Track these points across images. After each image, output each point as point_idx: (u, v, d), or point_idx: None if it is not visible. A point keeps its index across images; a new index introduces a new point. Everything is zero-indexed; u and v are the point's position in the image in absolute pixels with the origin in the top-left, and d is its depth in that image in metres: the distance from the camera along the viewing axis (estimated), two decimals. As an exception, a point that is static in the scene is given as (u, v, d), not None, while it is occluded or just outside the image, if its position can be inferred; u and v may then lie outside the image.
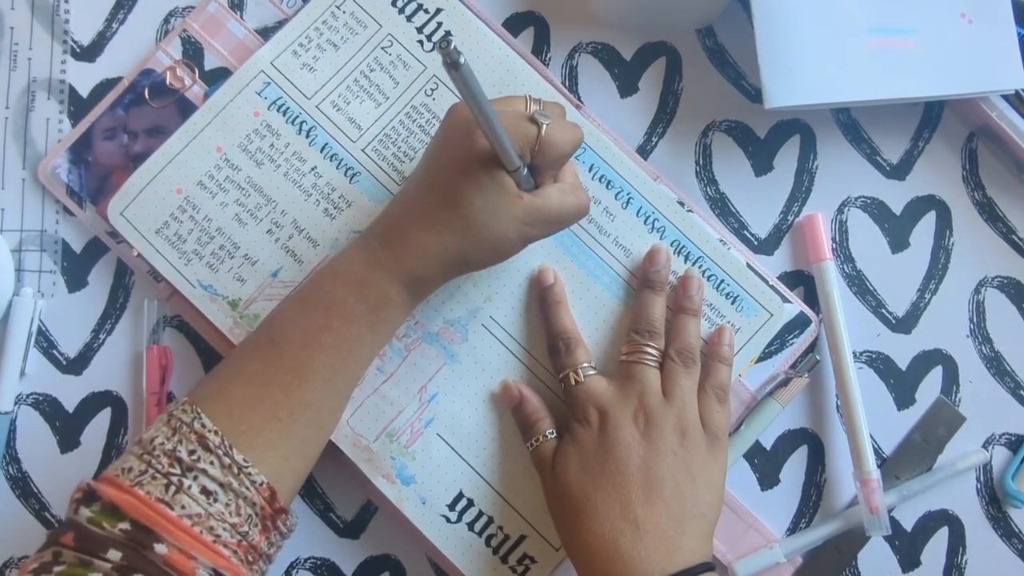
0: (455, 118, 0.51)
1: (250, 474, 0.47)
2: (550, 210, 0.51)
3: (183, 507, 0.45)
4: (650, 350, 0.56)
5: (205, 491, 0.46)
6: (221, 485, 0.46)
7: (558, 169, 0.54)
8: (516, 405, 0.58)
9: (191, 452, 0.47)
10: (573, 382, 0.56)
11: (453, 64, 0.38)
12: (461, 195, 0.49)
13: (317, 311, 0.51)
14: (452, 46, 0.37)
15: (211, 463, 0.47)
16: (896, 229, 0.63)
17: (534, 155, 0.49)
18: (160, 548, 0.44)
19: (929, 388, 0.62)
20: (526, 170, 0.50)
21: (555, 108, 0.54)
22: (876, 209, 0.63)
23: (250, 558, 0.48)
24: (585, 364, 0.56)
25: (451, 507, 0.58)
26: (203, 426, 0.47)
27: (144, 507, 0.45)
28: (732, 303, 0.59)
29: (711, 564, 0.51)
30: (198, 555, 0.44)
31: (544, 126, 0.49)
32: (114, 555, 0.43)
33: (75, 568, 0.43)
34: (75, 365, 0.63)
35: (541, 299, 0.59)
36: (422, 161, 0.53)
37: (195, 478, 0.46)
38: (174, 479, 0.46)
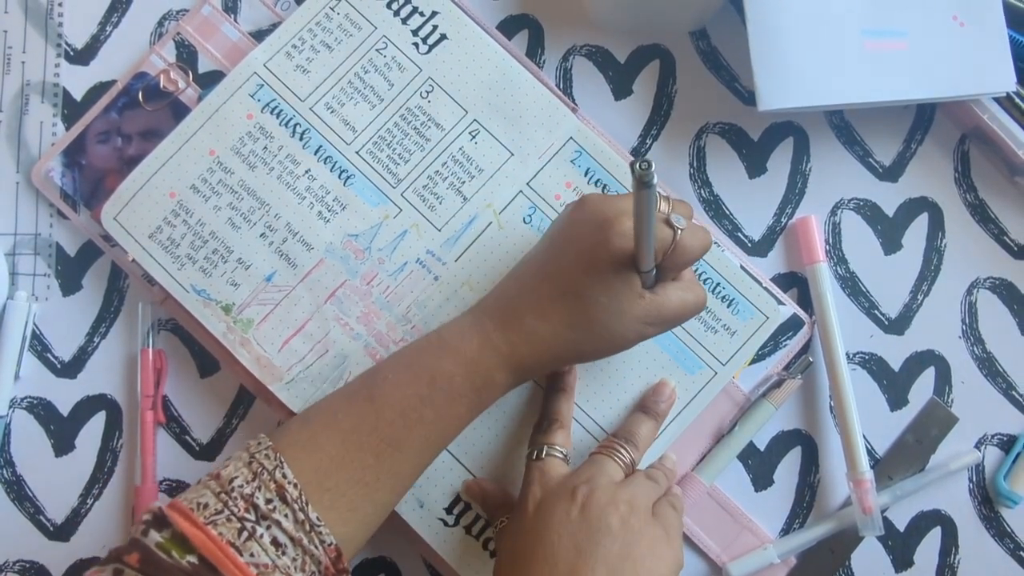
0: (588, 209, 0.50)
1: (320, 533, 0.46)
2: (670, 310, 0.50)
3: (252, 555, 0.44)
4: (622, 450, 0.54)
5: (276, 542, 0.45)
6: (292, 539, 0.45)
7: (681, 271, 0.52)
8: (481, 500, 0.58)
9: (268, 501, 0.45)
10: (534, 456, 0.54)
11: (646, 185, 0.38)
12: (585, 291, 0.49)
13: (421, 380, 0.50)
14: (650, 168, 0.37)
15: (286, 515, 0.45)
16: (889, 231, 0.64)
17: (665, 258, 0.49)
18: None
19: (922, 389, 0.63)
20: (655, 272, 0.50)
21: (685, 208, 0.52)
22: (869, 211, 0.64)
23: None
24: (557, 447, 0.54)
25: (448, 510, 0.58)
26: (284, 476, 0.46)
27: (214, 547, 0.43)
28: (728, 306, 0.60)
29: None
30: None
31: (679, 232, 0.48)
32: None
33: None
34: (69, 369, 0.63)
35: (551, 381, 0.58)
36: (544, 244, 0.53)
37: (268, 528, 0.45)
38: (248, 525, 0.45)
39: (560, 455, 0.54)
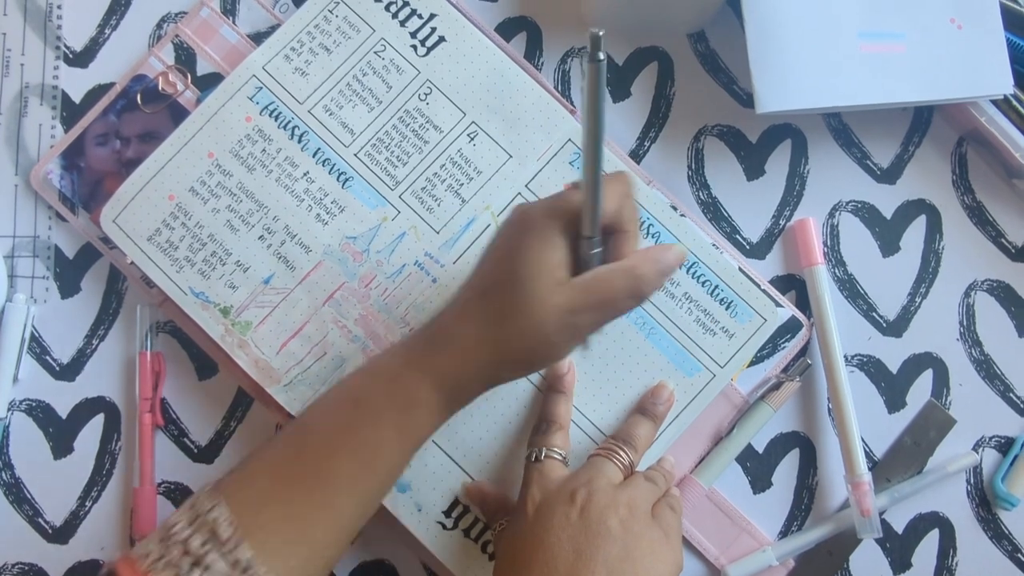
0: (513, 215, 0.48)
1: (257, 574, 0.44)
2: (594, 295, 0.47)
3: None
4: (621, 452, 0.53)
5: None
6: None
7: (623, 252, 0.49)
8: (480, 502, 0.58)
9: (203, 543, 0.44)
10: (533, 458, 0.54)
11: (593, 58, 0.38)
12: (503, 285, 0.46)
13: (345, 406, 0.48)
14: (600, 35, 0.37)
15: (218, 558, 0.44)
16: (887, 233, 0.64)
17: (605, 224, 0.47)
18: None
19: (920, 391, 0.63)
20: (598, 243, 0.47)
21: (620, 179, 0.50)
22: (867, 213, 0.64)
23: None
24: (556, 448, 0.54)
25: (447, 514, 0.58)
26: (218, 517, 0.44)
27: None
28: (727, 308, 0.60)
29: None
30: None
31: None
32: None
33: None
34: (68, 371, 0.63)
35: (549, 382, 0.58)
36: (478, 268, 0.50)
37: (204, 571, 0.43)
38: (183, 571, 0.43)
39: (559, 457, 0.54)
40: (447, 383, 0.48)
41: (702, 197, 0.64)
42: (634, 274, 0.47)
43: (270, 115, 0.61)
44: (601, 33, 0.37)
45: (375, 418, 0.47)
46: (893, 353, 0.63)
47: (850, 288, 0.63)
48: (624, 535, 0.47)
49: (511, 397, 0.59)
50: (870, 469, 0.60)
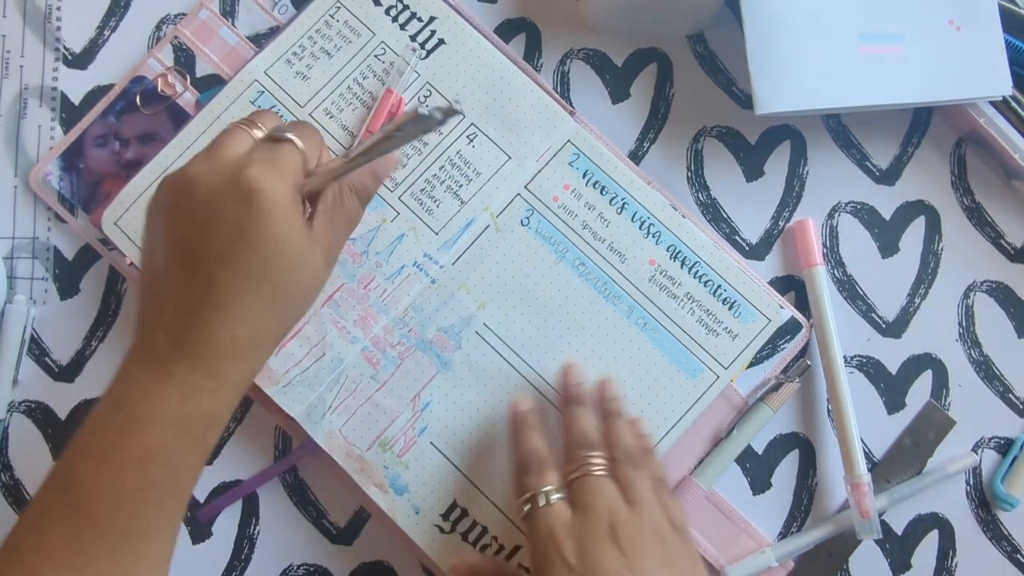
0: (192, 189, 0.44)
1: None
2: (338, 216, 0.48)
3: None
4: (595, 460, 0.51)
5: None
6: None
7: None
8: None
9: None
10: (541, 503, 0.50)
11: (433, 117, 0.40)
12: (265, 241, 0.43)
13: (128, 470, 0.42)
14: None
15: None
16: (886, 234, 0.64)
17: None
18: None
19: (919, 392, 0.63)
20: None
21: (271, 118, 0.50)
22: (866, 214, 0.64)
23: None
24: (550, 488, 0.51)
25: (445, 517, 0.58)
26: None
27: None
28: (730, 308, 0.60)
29: None
30: None
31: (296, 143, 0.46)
32: None
33: None
34: (67, 372, 0.63)
35: (515, 423, 0.55)
36: (160, 250, 0.44)
37: None
38: None
39: (561, 497, 0.51)
40: (239, 382, 0.45)
41: (701, 198, 0.64)
42: (359, 187, 0.49)
43: (270, 117, 0.61)
44: (458, 106, 0.40)
45: (174, 464, 0.43)
46: (892, 354, 0.63)
47: (849, 289, 0.63)
48: (672, 561, 0.49)
49: (509, 394, 0.58)
50: (869, 470, 0.60)
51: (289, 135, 0.45)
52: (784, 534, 0.61)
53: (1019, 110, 0.61)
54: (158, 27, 0.65)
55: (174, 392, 0.43)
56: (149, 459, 0.42)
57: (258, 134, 0.47)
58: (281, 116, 0.53)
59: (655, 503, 0.50)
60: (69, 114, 0.64)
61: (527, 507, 0.51)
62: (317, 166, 0.48)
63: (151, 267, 0.45)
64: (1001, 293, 0.63)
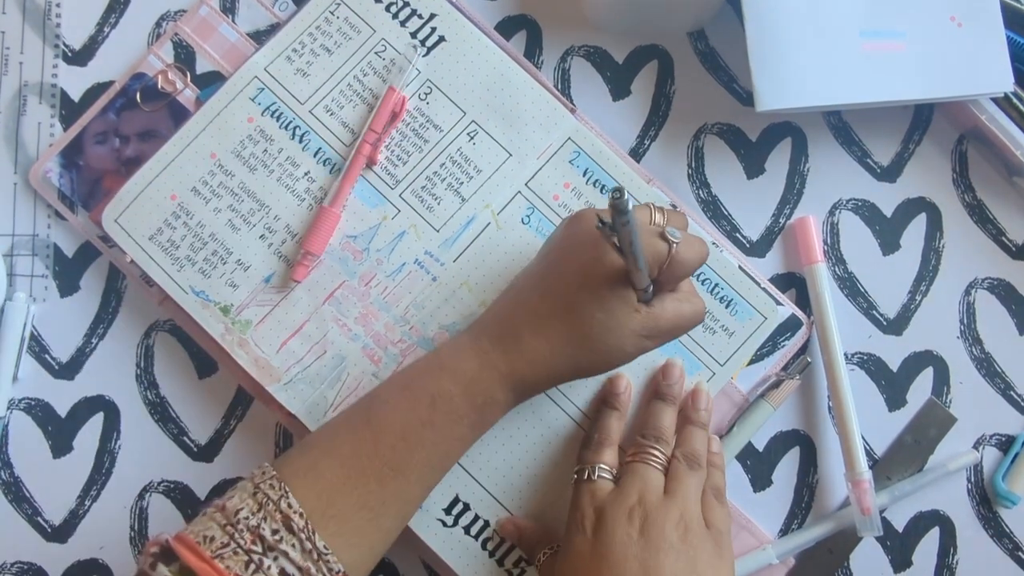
0: (582, 226, 0.50)
1: (328, 562, 0.46)
2: (668, 322, 0.50)
3: None
4: (655, 452, 0.54)
5: (284, 573, 0.44)
6: (300, 569, 0.45)
7: (679, 282, 0.52)
8: (517, 537, 0.58)
9: (275, 532, 0.45)
10: (585, 477, 0.54)
11: (621, 212, 0.40)
12: (582, 308, 0.49)
13: (421, 403, 0.50)
14: (623, 196, 0.39)
15: (293, 546, 0.45)
16: (887, 231, 0.64)
17: (661, 272, 0.49)
18: None
19: (920, 389, 0.63)
20: (651, 287, 0.50)
21: (680, 219, 0.53)
22: (867, 211, 0.64)
23: None
24: (604, 466, 0.54)
25: (447, 511, 0.58)
26: (289, 506, 0.46)
27: None
28: (726, 307, 0.60)
29: None
30: None
31: (675, 245, 0.48)
32: None
33: None
34: (67, 370, 0.63)
35: (605, 400, 0.58)
36: (540, 260, 0.52)
37: (275, 559, 0.44)
38: (255, 557, 0.44)
39: (609, 476, 0.54)
40: (522, 384, 0.50)
41: (702, 195, 0.64)
42: (698, 305, 0.52)
43: (272, 116, 0.61)
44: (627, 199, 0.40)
45: (454, 418, 0.50)
46: (893, 351, 0.63)
47: (850, 286, 0.63)
48: (686, 548, 0.50)
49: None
50: (870, 467, 0.60)
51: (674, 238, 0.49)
52: (785, 531, 0.61)
53: (1020, 107, 0.61)
54: (158, 24, 0.65)
55: (476, 357, 0.50)
56: (439, 401, 0.50)
57: (659, 218, 0.52)
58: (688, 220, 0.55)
59: (691, 500, 0.52)
60: (69, 111, 0.64)
61: (575, 476, 0.55)
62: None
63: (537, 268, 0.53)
64: (1002, 290, 0.63)
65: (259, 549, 0.45)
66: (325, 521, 0.46)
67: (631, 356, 0.51)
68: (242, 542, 0.45)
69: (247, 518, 0.45)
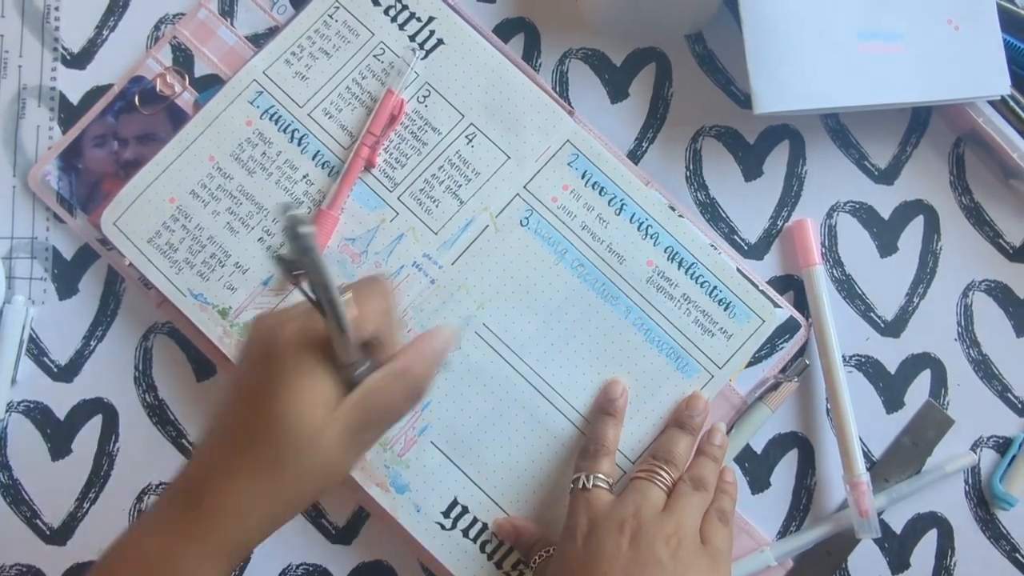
0: (253, 333, 0.43)
1: None
2: (381, 405, 0.43)
3: None
4: (662, 472, 0.53)
5: None
6: None
7: (388, 349, 0.44)
8: (515, 538, 0.58)
9: None
10: (581, 486, 0.54)
11: (301, 241, 0.33)
12: (267, 432, 0.41)
13: None
14: (298, 222, 0.33)
15: None
16: (884, 234, 0.64)
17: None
18: None
19: (918, 391, 0.63)
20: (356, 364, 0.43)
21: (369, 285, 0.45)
22: (865, 214, 0.64)
23: None
24: (602, 475, 0.54)
25: (446, 514, 0.58)
26: None
27: None
28: (724, 309, 0.60)
29: None
30: None
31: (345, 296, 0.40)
32: None
33: None
34: (66, 372, 0.63)
35: (602, 407, 0.58)
36: (226, 391, 0.45)
37: None
38: None
39: (605, 486, 0.54)
40: (228, 548, 0.41)
41: (700, 198, 0.64)
42: (407, 376, 0.44)
43: (270, 119, 0.61)
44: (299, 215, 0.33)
45: None
46: (891, 353, 0.63)
47: (848, 288, 0.63)
48: (675, 565, 0.48)
49: (508, 393, 0.59)
50: (868, 469, 0.60)
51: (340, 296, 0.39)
52: (783, 533, 0.61)
53: (1018, 110, 0.61)
54: (156, 27, 0.65)
55: (159, 527, 0.42)
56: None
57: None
58: (386, 282, 0.47)
59: (691, 517, 0.51)
60: (68, 114, 0.64)
61: (571, 486, 0.54)
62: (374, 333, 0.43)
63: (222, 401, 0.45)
64: (1000, 292, 0.63)
65: None
66: None
67: (349, 463, 0.44)
68: None
69: None
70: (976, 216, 0.64)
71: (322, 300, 0.38)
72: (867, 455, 0.62)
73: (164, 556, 0.40)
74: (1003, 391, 0.63)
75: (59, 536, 0.62)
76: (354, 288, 0.43)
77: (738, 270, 0.60)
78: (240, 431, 0.42)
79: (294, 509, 0.44)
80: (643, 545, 0.49)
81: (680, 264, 0.60)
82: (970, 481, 0.62)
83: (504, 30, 0.65)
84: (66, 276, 0.63)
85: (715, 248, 0.60)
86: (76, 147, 0.63)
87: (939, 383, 0.63)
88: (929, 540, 0.62)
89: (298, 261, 0.35)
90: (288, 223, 0.32)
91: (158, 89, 0.63)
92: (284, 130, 0.61)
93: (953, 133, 0.64)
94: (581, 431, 0.59)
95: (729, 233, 0.63)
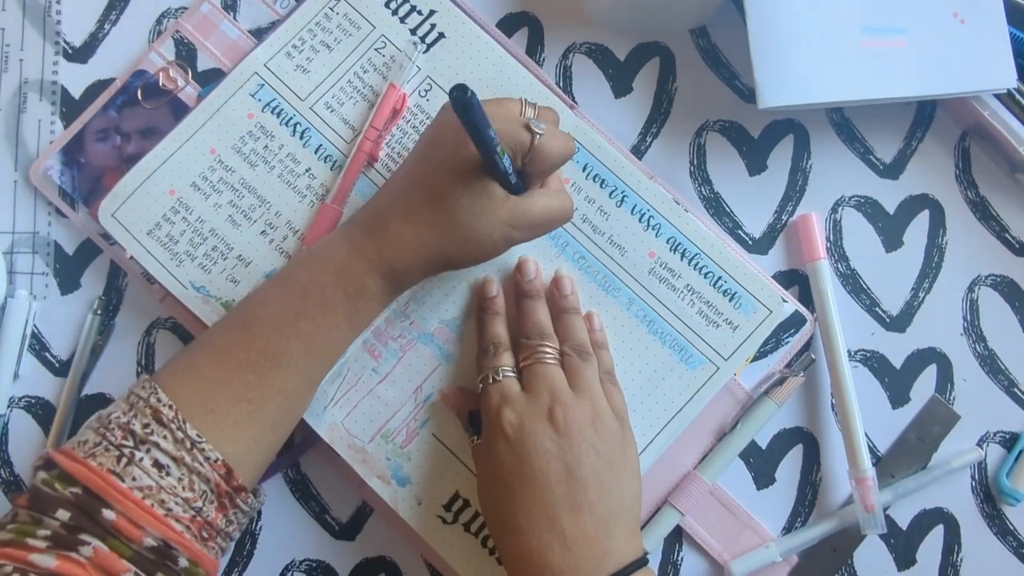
0: (450, 117, 0.51)
1: (203, 449, 0.47)
2: (535, 215, 0.52)
3: (134, 479, 0.46)
4: (547, 349, 0.54)
5: (157, 464, 0.46)
6: (174, 459, 0.47)
7: (546, 176, 0.54)
8: (460, 407, 0.58)
9: (145, 425, 0.47)
10: (491, 380, 0.54)
11: (465, 109, 0.41)
12: (448, 194, 0.49)
13: (293, 295, 0.51)
14: (465, 95, 0.40)
15: (164, 437, 0.47)
16: (890, 228, 0.63)
17: (525, 163, 0.50)
18: (108, 514, 0.44)
19: (923, 386, 0.62)
20: (515, 177, 0.51)
21: (549, 115, 0.54)
22: (870, 208, 0.64)
23: (205, 534, 0.48)
24: (507, 367, 0.55)
25: (447, 508, 0.58)
26: (158, 400, 0.48)
27: (94, 476, 0.45)
28: (730, 300, 0.59)
29: (643, 559, 0.50)
30: (146, 526, 0.45)
31: (538, 136, 0.49)
32: (63, 515, 0.44)
33: (27, 525, 0.44)
34: (67, 368, 0.62)
35: (482, 308, 0.59)
36: (411, 154, 0.53)
37: (147, 451, 0.46)
38: (126, 451, 0.46)
39: (513, 374, 0.55)
40: (392, 272, 0.51)
41: (704, 192, 0.63)
42: (566, 202, 0.54)
43: (272, 112, 0.61)
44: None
45: (326, 306, 0.51)
46: (897, 348, 0.63)
47: (853, 283, 0.63)
48: (602, 444, 0.51)
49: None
50: (874, 465, 0.60)
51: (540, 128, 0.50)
52: (788, 529, 0.61)
53: (1023, 103, 0.61)
54: (159, 21, 0.65)
55: (345, 246, 0.52)
56: (310, 292, 0.51)
57: (529, 112, 0.52)
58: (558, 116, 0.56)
59: (598, 392, 0.53)
60: (69, 108, 0.64)
61: (481, 385, 0.55)
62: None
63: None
64: (1006, 287, 0.63)
65: (130, 443, 0.47)
66: (203, 415, 0.48)
67: (499, 245, 0.52)
68: (112, 439, 0.47)
69: (118, 417, 0.48)
70: (982, 210, 0.64)
71: (481, 148, 0.47)
72: (873, 450, 0.61)
73: (348, 264, 0.51)
74: (1009, 386, 0.62)
75: (60, 531, 0.61)
76: (546, 119, 0.53)
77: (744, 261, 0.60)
78: (427, 190, 0.50)
79: (447, 266, 0.53)
80: (573, 432, 0.51)
81: (683, 255, 0.59)
82: (976, 476, 0.62)
83: (508, 24, 0.65)
84: (68, 271, 0.63)
85: (718, 239, 0.60)
86: (78, 141, 0.63)
87: (945, 378, 0.62)
88: (935, 536, 0.61)
89: (464, 121, 0.44)
90: (455, 99, 0.41)
91: (161, 83, 0.63)
92: (286, 123, 0.61)
93: (959, 127, 0.64)
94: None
95: (733, 228, 0.63)
